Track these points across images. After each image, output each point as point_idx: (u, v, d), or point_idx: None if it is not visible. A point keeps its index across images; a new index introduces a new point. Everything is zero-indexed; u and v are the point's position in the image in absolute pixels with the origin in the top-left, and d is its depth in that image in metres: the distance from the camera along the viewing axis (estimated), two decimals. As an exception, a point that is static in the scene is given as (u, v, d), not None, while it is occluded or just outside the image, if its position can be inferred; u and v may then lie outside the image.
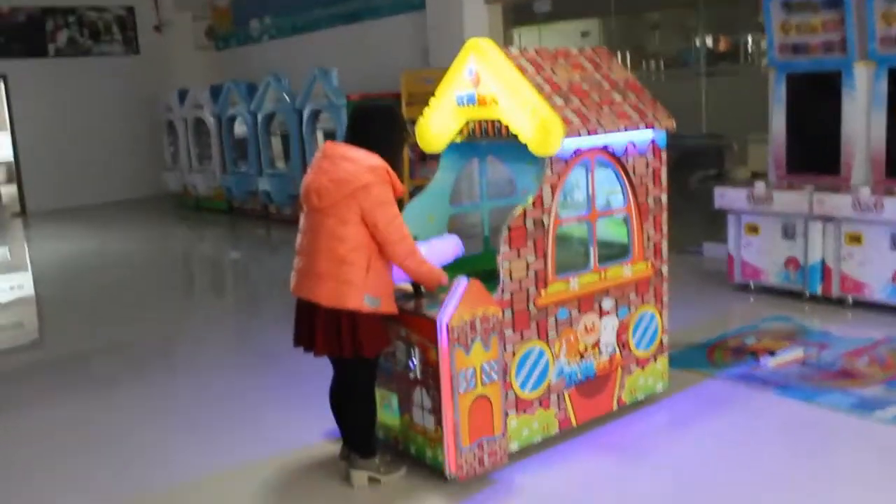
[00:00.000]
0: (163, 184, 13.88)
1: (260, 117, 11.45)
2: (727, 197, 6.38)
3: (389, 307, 3.48)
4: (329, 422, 4.20)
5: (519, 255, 3.63)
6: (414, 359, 3.58)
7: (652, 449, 3.94)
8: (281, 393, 4.86)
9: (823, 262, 5.94)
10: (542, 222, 3.70)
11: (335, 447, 3.98)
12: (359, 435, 3.59)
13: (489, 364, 3.50)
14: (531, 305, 3.71)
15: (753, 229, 6.33)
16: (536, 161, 4.58)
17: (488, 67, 3.81)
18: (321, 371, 3.79)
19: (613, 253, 4.13)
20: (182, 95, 13.05)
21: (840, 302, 5.93)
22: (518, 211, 3.63)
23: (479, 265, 4.16)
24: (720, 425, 4.13)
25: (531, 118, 3.64)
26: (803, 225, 6.01)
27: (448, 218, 4.31)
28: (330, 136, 10.64)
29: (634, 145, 4.04)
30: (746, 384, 4.59)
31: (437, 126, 4.15)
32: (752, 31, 10.26)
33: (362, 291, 3.35)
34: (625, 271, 4.10)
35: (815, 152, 6.46)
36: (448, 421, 3.44)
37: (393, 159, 3.46)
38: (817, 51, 6.33)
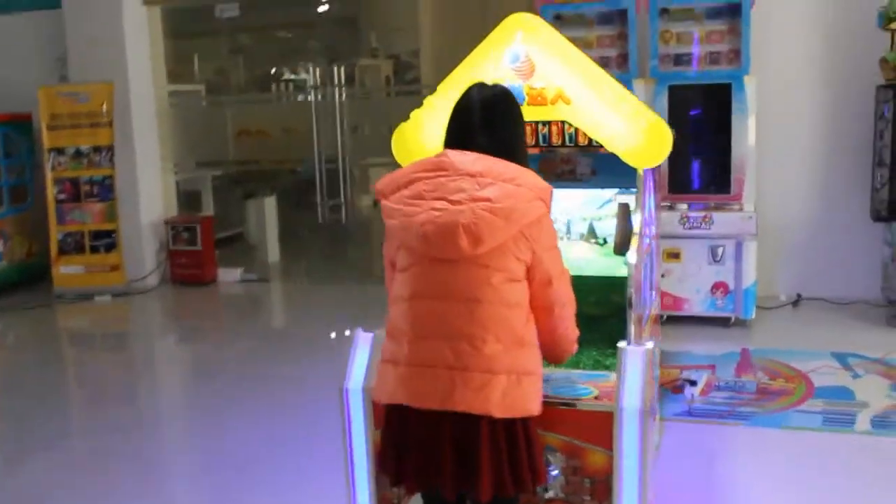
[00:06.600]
0: None
1: None
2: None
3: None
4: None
5: (636, 302, 2.72)
6: (553, 468, 2.44)
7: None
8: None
9: (641, 281, 5.81)
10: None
11: None
12: None
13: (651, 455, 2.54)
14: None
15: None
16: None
17: (550, 52, 2.81)
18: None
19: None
20: None
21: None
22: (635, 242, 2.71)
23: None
24: (734, 469, 3.72)
25: (633, 121, 2.75)
26: (617, 244, 5.82)
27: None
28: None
29: (653, 157, 3.35)
30: (700, 420, 4.18)
31: (435, 133, 2.97)
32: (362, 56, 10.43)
33: (540, 384, 2.14)
34: (653, 309, 3.39)
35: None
36: (631, 551, 2.38)
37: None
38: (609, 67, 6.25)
